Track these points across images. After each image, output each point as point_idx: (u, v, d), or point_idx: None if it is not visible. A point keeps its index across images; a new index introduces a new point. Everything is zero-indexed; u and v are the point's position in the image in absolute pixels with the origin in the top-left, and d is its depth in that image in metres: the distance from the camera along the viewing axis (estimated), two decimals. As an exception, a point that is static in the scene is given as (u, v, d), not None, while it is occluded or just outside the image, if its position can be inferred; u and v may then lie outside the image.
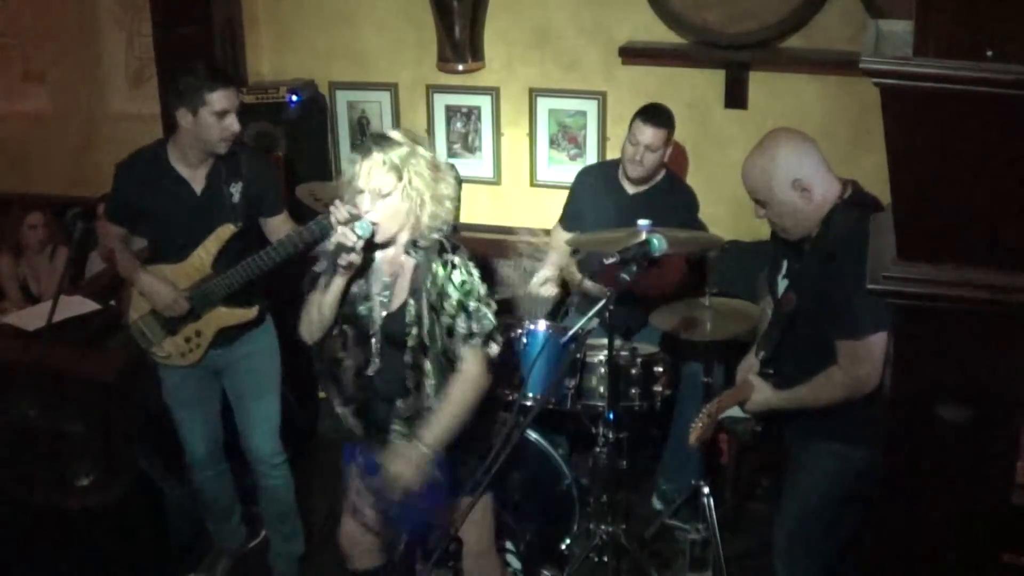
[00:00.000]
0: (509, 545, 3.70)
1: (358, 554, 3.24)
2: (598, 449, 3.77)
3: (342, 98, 5.27)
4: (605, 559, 3.68)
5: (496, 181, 5.16)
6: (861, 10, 4.32)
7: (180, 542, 4.06)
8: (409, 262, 2.86)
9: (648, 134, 4.00)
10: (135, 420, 3.92)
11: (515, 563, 3.69)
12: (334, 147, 5.35)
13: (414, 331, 2.84)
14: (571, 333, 3.52)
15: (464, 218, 5.16)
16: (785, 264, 3.02)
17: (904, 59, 1.44)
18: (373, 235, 2.76)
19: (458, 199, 2.92)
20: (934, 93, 1.41)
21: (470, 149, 5.15)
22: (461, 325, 2.80)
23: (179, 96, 3.36)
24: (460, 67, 4.95)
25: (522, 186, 5.13)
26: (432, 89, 5.12)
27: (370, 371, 2.91)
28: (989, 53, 1.39)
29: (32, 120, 5.86)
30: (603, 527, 3.69)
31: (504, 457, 2.62)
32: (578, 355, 3.64)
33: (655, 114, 4.05)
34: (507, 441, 2.72)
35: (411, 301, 2.84)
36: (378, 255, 2.90)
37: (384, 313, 2.88)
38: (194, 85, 3.32)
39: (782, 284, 3.01)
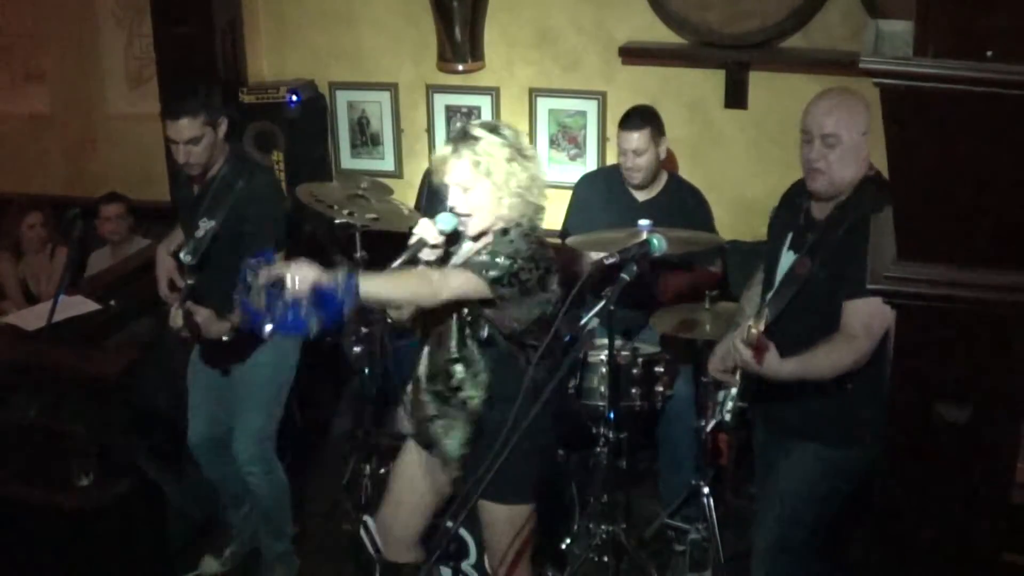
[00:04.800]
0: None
1: (389, 544, 3.19)
2: (598, 449, 3.77)
3: (342, 98, 5.27)
4: (605, 559, 3.68)
5: (496, 181, 5.15)
6: (861, 10, 4.32)
7: (180, 542, 4.06)
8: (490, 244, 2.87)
9: (628, 139, 4.01)
10: (135, 420, 3.92)
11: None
12: (334, 147, 5.35)
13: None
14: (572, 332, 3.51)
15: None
16: (791, 236, 3.00)
17: (904, 59, 1.44)
18: (456, 230, 2.81)
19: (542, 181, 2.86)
20: (934, 93, 1.41)
21: (470, 149, 5.14)
22: (471, 257, 2.80)
23: None
24: (460, 67, 4.95)
25: (522, 186, 5.13)
26: (432, 89, 5.12)
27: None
28: (989, 53, 1.39)
29: (32, 120, 5.86)
30: (603, 527, 3.69)
31: (504, 456, 2.62)
32: (578, 355, 3.64)
33: (629, 117, 4.06)
34: (506, 442, 2.72)
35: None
36: (466, 245, 2.91)
37: None
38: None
39: (788, 256, 2.99)
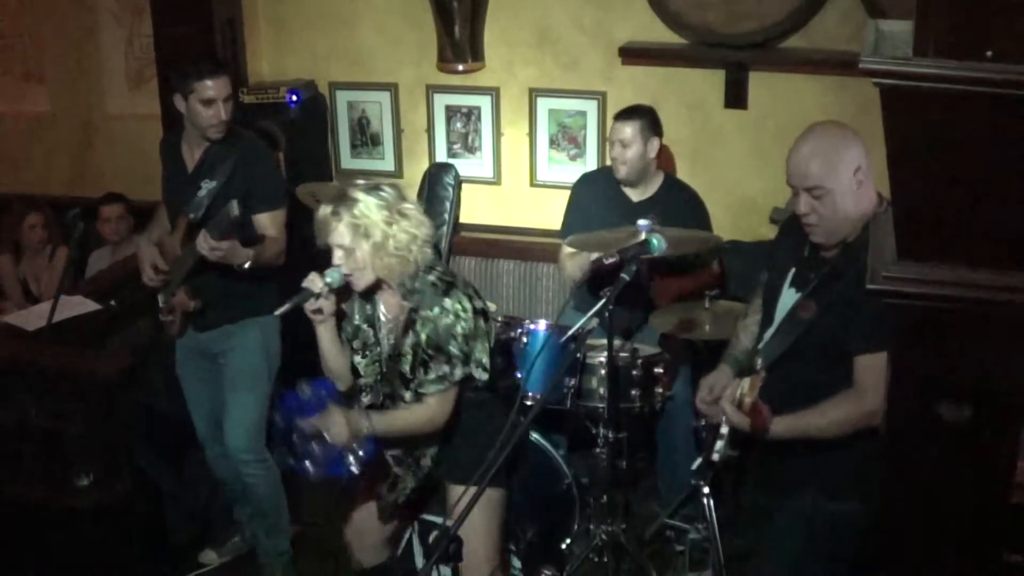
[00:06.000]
0: (509, 545, 3.70)
1: (364, 549, 3.28)
2: (598, 449, 3.77)
3: (342, 98, 5.27)
4: (605, 559, 3.68)
5: (496, 181, 5.16)
6: (861, 10, 4.32)
7: (180, 541, 4.07)
8: (406, 306, 2.93)
9: (617, 130, 4.04)
10: (135, 420, 3.92)
11: (515, 563, 3.69)
12: (334, 147, 5.35)
13: (398, 366, 2.96)
14: (571, 333, 3.51)
15: (464, 218, 5.19)
16: (793, 272, 2.79)
17: (904, 59, 1.44)
18: (345, 285, 2.87)
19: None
20: (934, 93, 1.41)
21: (470, 149, 5.14)
22: (435, 367, 2.90)
23: (175, 82, 3.60)
24: (460, 67, 4.95)
25: (522, 186, 5.13)
26: (432, 89, 5.12)
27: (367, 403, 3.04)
28: (989, 53, 1.39)
29: (32, 120, 5.86)
30: (603, 527, 3.69)
31: (504, 457, 2.63)
32: (578, 355, 3.64)
33: (624, 110, 4.12)
34: (508, 440, 2.72)
35: (400, 336, 2.95)
36: (380, 306, 2.99)
37: (389, 358, 3.01)
38: (186, 73, 3.53)
39: (789, 293, 2.78)
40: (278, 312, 2.86)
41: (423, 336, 2.88)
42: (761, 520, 2.90)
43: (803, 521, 2.74)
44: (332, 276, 2.84)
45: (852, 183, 2.59)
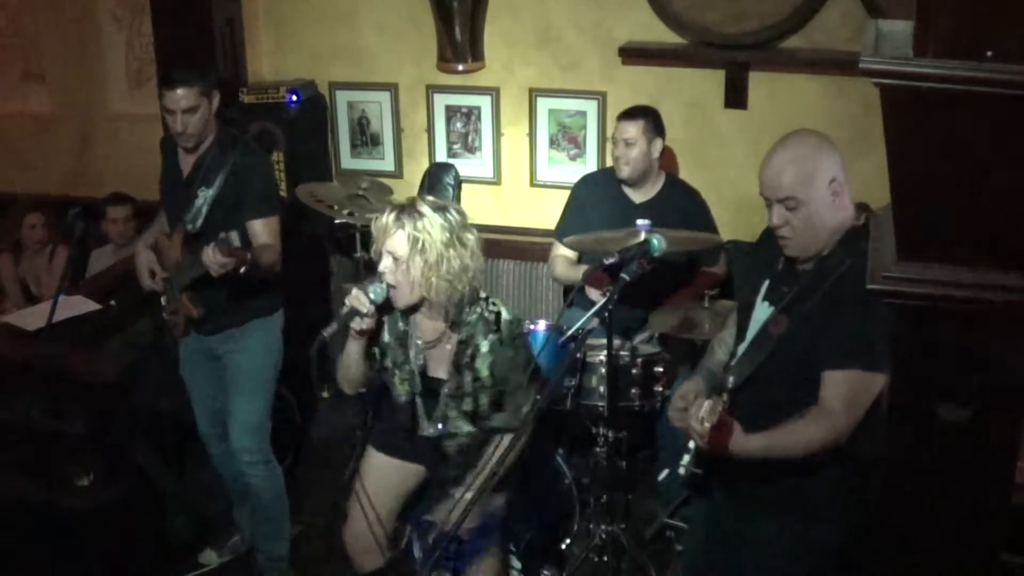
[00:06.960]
0: (509, 545, 3.70)
1: (364, 554, 3.26)
2: (598, 449, 3.77)
3: (342, 98, 5.27)
4: (605, 559, 3.68)
5: (496, 181, 5.16)
6: (861, 10, 4.32)
7: (180, 541, 4.07)
8: (453, 336, 2.89)
9: (621, 128, 4.06)
10: (135, 420, 3.92)
11: (515, 563, 3.69)
12: (334, 147, 5.35)
13: (453, 404, 2.93)
14: (570, 333, 3.52)
15: (464, 218, 5.19)
16: (767, 285, 2.69)
17: (904, 59, 1.44)
18: (387, 300, 2.81)
19: (478, 259, 2.91)
20: (934, 93, 1.41)
21: (470, 149, 5.14)
22: (509, 401, 2.90)
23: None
24: (460, 67, 4.95)
25: (522, 186, 5.13)
26: (432, 89, 5.12)
27: (425, 432, 3.02)
28: (989, 53, 1.39)
29: (32, 120, 5.86)
30: (603, 527, 3.69)
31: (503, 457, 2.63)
32: (578, 355, 3.64)
33: (627, 110, 4.14)
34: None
35: (454, 374, 2.90)
36: (416, 327, 2.95)
37: (421, 376, 2.97)
38: (162, 78, 3.57)
39: (762, 307, 2.67)
40: (325, 333, 2.75)
41: (484, 373, 2.87)
42: (729, 542, 2.79)
43: (776, 545, 2.67)
44: (376, 293, 2.77)
45: (827, 194, 2.50)
